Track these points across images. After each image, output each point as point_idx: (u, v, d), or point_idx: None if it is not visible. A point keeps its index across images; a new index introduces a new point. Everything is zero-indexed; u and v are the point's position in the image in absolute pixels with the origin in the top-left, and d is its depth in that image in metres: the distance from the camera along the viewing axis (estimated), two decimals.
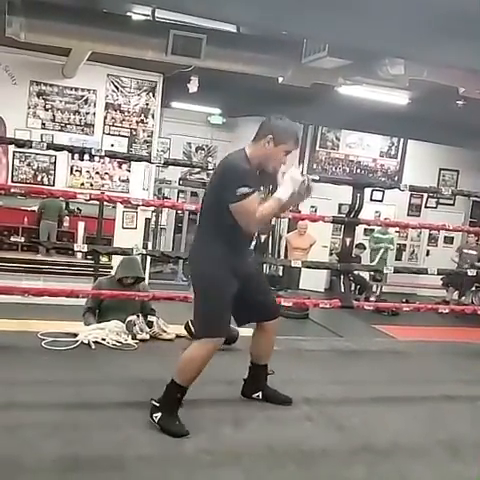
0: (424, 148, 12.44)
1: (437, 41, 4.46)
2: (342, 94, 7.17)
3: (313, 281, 10.90)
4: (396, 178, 12.83)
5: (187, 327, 4.23)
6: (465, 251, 11.51)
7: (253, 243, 3.12)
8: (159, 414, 2.89)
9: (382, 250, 11.54)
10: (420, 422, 3.26)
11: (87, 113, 8.76)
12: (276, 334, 3.23)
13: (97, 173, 8.83)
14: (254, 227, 2.86)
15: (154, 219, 10.47)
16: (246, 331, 5.04)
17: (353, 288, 10.69)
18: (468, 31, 4.37)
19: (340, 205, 10.87)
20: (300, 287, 10.70)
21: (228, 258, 2.86)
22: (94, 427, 2.80)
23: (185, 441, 2.77)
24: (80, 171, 8.78)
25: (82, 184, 8.81)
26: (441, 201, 13.13)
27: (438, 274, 5.63)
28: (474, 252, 11.43)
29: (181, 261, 10.42)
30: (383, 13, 4.20)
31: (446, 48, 4.52)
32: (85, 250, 4.48)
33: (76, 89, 8.69)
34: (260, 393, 3.31)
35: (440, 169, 13.19)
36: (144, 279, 4.75)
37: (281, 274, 11.42)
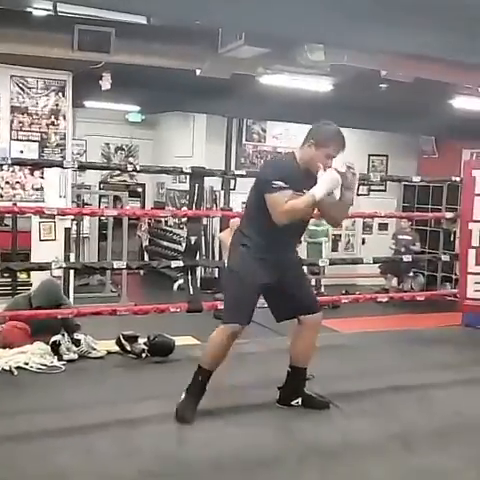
0: (351, 135, 12.57)
1: (355, 24, 4.52)
2: (264, 84, 7.18)
3: None
4: None
5: (119, 342, 4.14)
6: (400, 237, 11.82)
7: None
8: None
9: (324, 243, 11.77)
10: (369, 417, 3.31)
11: None
12: (317, 333, 3.31)
13: (7, 183, 8.51)
14: (281, 219, 3.07)
15: (75, 228, 10.23)
16: (184, 340, 5.01)
17: None
18: (387, 13, 4.46)
19: None
20: None
21: (262, 252, 3.17)
22: (24, 459, 2.69)
23: (127, 463, 2.70)
24: None
25: None
26: (373, 188, 13.43)
27: (374, 263, 5.75)
28: (409, 237, 11.76)
29: (108, 271, 10.23)
30: None
31: (365, 31, 4.60)
32: None
33: None
34: (300, 399, 3.35)
35: (369, 155, 13.49)
36: (64, 304, 4.57)
37: (217, 276, 11.40)
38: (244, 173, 4.99)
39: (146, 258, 13.61)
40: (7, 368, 3.67)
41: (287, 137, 12.72)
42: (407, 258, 5.95)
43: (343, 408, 3.38)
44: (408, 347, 4.66)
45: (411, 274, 12.12)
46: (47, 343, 3.93)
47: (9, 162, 4.27)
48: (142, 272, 12.15)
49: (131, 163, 12.71)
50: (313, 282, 11.80)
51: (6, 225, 9.28)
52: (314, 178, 3.12)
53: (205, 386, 3.18)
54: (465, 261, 5.21)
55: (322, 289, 11.77)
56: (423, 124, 10.37)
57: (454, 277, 10.82)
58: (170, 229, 13.38)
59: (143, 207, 13.90)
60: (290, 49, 5.49)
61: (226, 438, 2.99)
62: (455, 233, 11.74)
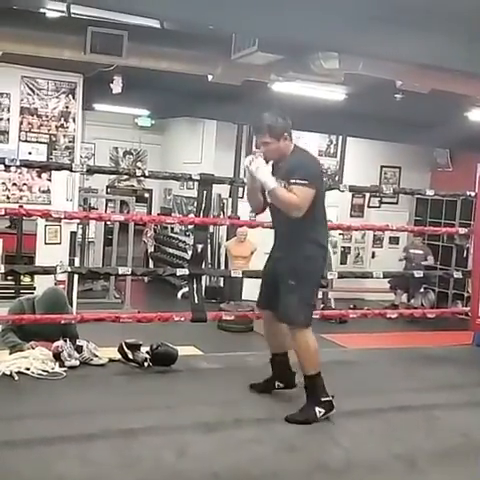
0: (364, 145, 12.71)
1: (371, 32, 4.55)
2: (276, 91, 7.22)
3: (257, 291, 10.88)
4: (336, 178, 13.04)
5: (121, 350, 4.15)
6: (411, 251, 11.79)
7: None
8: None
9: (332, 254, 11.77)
10: (374, 436, 3.30)
11: (0, 119, 8.50)
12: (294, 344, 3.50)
13: (14, 184, 8.57)
14: None
15: (81, 232, 10.27)
16: (186, 350, 5.02)
17: None
18: (404, 21, 4.48)
19: None
20: (243, 298, 10.67)
21: None
22: (22, 465, 2.71)
23: (126, 473, 2.72)
24: None
25: None
26: (384, 200, 13.43)
27: (384, 277, 5.73)
28: (420, 252, 11.72)
29: (112, 277, 10.26)
30: (314, 3, 4.27)
31: (381, 40, 4.62)
32: (2, 270, 4.33)
33: None
34: None
35: (381, 166, 13.50)
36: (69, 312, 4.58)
37: (222, 285, 11.41)
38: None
39: (151, 265, 13.64)
40: (8, 373, 3.67)
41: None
42: (418, 273, 5.90)
43: (347, 426, 3.38)
44: (416, 366, 4.64)
45: (422, 290, 12.08)
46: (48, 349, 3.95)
47: (17, 163, 4.29)
48: (146, 279, 12.18)
49: (139, 168, 12.78)
50: (320, 295, 11.80)
51: (8, 227, 9.34)
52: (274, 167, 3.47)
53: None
54: (478, 278, 5.20)
55: (331, 303, 11.72)
56: (438, 136, 10.37)
57: (466, 295, 10.78)
58: (176, 236, 13.41)
59: (150, 213, 13.95)
60: (304, 56, 5.51)
61: (227, 452, 2.99)
62: (468, 249, 11.72)
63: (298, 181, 3.31)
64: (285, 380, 3.70)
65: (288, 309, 3.44)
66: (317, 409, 3.34)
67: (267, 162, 3.41)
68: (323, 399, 3.36)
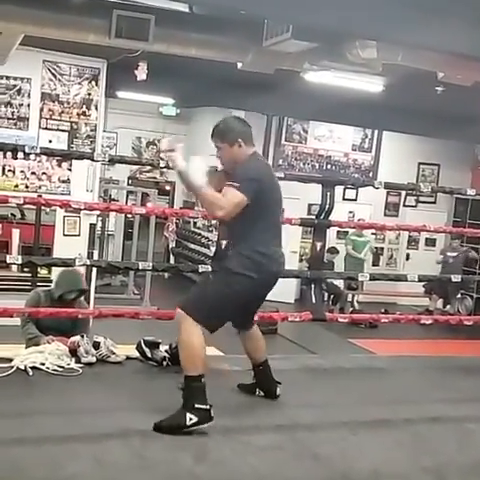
0: (401, 140, 12.62)
1: (413, 20, 4.52)
2: (309, 81, 7.21)
3: (282, 291, 10.86)
4: (371, 174, 12.98)
5: (139, 347, 4.19)
6: (449, 254, 11.69)
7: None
8: None
9: (363, 255, 11.75)
10: (402, 447, 3.29)
11: (20, 105, 8.62)
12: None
13: (33, 173, 8.69)
14: None
15: (100, 224, 10.37)
16: (207, 350, 5.03)
17: (326, 298, 10.77)
18: (447, 10, 4.45)
19: (310, 205, 10.96)
20: (267, 298, 10.66)
21: None
22: (34, 465, 2.74)
23: (140, 476, 2.74)
24: (13, 171, 8.64)
25: (16, 186, 8.66)
26: (421, 199, 13.33)
27: (419, 281, 5.69)
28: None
29: (132, 272, 10.35)
30: None
31: (423, 28, 4.59)
32: (19, 262, 4.40)
33: (7, 78, 8.54)
34: None
35: (419, 163, 13.40)
36: (86, 292, 4.70)
37: None
38: (282, 175, 4.98)
39: (172, 260, 13.70)
40: (22, 367, 3.72)
41: (331, 139, 12.72)
42: (456, 278, 5.84)
43: (374, 436, 3.38)
44: (449, 375, 4.60)
45: (459, 296, 11.98)
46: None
47: (38, 151, 4.35)
48: (166, 275, 12.24)
49: (163, 159, 12.82)
50: (349, 298, 11.77)
51: (13, 216, 9.47)
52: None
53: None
54: None
55: (356, 305, 11.69)
56: None
57: None
58: (199, 231, 13.45)
59: (172, 206, 14.00)
60: (340, 45, 5.50)
61: (247, 457, 3.00)
62: None
63: (232, 183, 3.31)
64: (265, 389, 3.71)
65: (188, 295, 3.44)
66: (188, 416, 3.13)
67: (225, 169, 3.50)
68: (197, 406, 3.15)
